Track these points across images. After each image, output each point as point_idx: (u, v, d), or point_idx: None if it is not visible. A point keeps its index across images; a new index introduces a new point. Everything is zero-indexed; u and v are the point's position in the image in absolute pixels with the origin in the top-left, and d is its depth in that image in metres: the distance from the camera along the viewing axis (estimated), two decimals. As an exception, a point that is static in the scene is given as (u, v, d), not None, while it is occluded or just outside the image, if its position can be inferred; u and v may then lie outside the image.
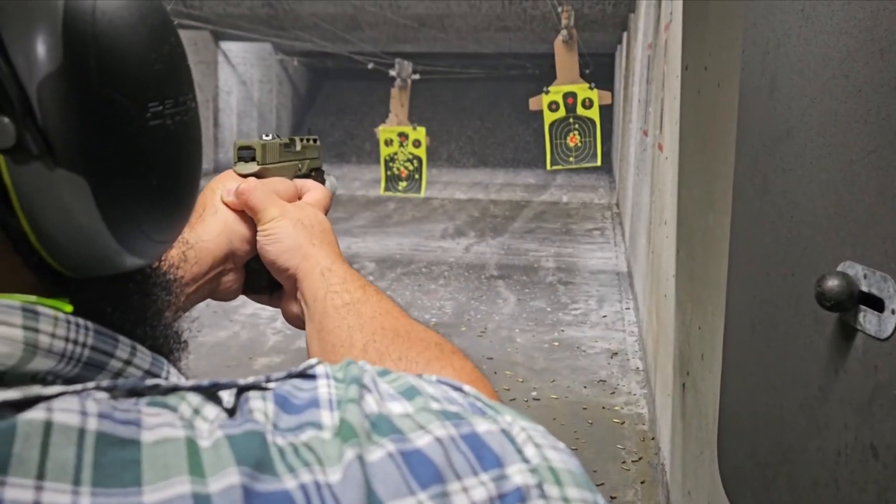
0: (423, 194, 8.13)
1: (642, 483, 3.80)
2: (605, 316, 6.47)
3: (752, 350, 1.01)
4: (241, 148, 0.86)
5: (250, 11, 11.23)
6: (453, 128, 18.38)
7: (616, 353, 5.55)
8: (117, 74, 0.40)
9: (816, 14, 0.86)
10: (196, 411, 0.38)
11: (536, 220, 11.18)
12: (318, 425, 0.39)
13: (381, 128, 7.94)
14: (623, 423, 4.45)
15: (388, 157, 7.79)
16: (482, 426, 0.41)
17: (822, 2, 0.85)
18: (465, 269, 8.03)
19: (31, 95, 0.38)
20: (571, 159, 6.46)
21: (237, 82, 16.25)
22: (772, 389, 0.94)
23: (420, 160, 7.79)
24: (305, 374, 0.43)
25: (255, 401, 0.40)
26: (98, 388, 0.37)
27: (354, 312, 0.73)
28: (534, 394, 4.81)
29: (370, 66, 10.95)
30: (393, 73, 7.98)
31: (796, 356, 0.88)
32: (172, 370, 0.44)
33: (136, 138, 0.41)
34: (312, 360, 0.45)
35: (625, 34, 10.85)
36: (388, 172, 7.80)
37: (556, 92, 6.36)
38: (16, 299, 0.37)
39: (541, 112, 6.41)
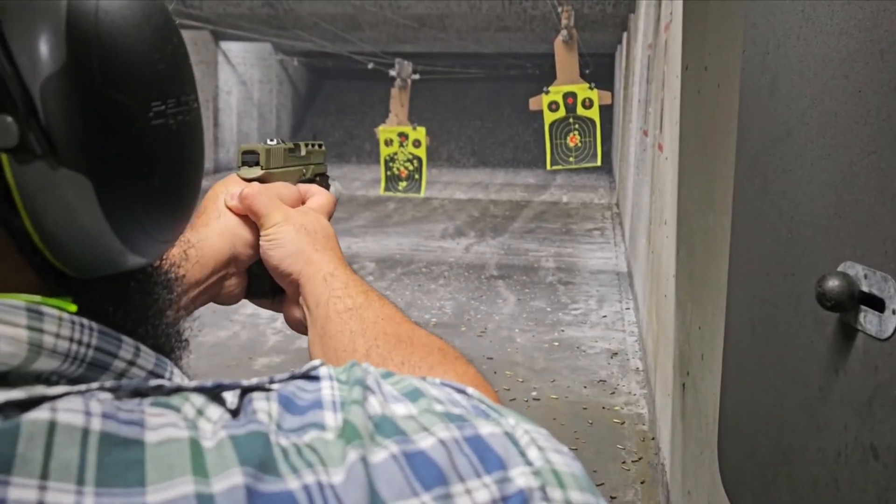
0: (423, 194, 8.13)
1: (642, 483, 3.80)
2: (605, 316, 6.47)
3: (752, 350, 1.01)
4: (246, 152, 0.85)
5: (250, 11, 11.23)
6: (453, 128, 18.38)
7: (616, 353, 5.55)
8: (120, 74, 0.40)
9: (816, 14, 0.86)
10: (199, 412, 0.38)
11: (536, 220, 11.18)
12: (321, 426, 0.39)
13: (381, 128, 7.94)
14: (623, 423, 4.45)
15: (388, 157, 7.79)
16: (486, 429, 0.41)
17: (822, 2, 0.85)
18: (465, 269, 8.03)
19: (35, 95, 0.38)
20: (571, 159, 6.46)
21: (237, 82, 16.25)
22: (772, 389, 0.94)
23: (420, 160, 7.79)
24: (309, 376, 0.43)
25: (258, 401, 0.40)
26: (102, 388, 0.37)
27: (357, 317, 0.73)
28: (534, 394, 4.81)
29: (370, 66, 10.95)
30: (393, 73, 7.98)
31: (796, 356, 0.88)
32: (176, 370, 0.44)
33: (139, 138, 0.41)
34: (316, 362, 0.45)
35: (625, 34, 10.85)
36: (388, 172, 7.80)
37: (556, 92, 6.36)
38: (20, 299, 0.37)
39: (541, 112, 6.42)
